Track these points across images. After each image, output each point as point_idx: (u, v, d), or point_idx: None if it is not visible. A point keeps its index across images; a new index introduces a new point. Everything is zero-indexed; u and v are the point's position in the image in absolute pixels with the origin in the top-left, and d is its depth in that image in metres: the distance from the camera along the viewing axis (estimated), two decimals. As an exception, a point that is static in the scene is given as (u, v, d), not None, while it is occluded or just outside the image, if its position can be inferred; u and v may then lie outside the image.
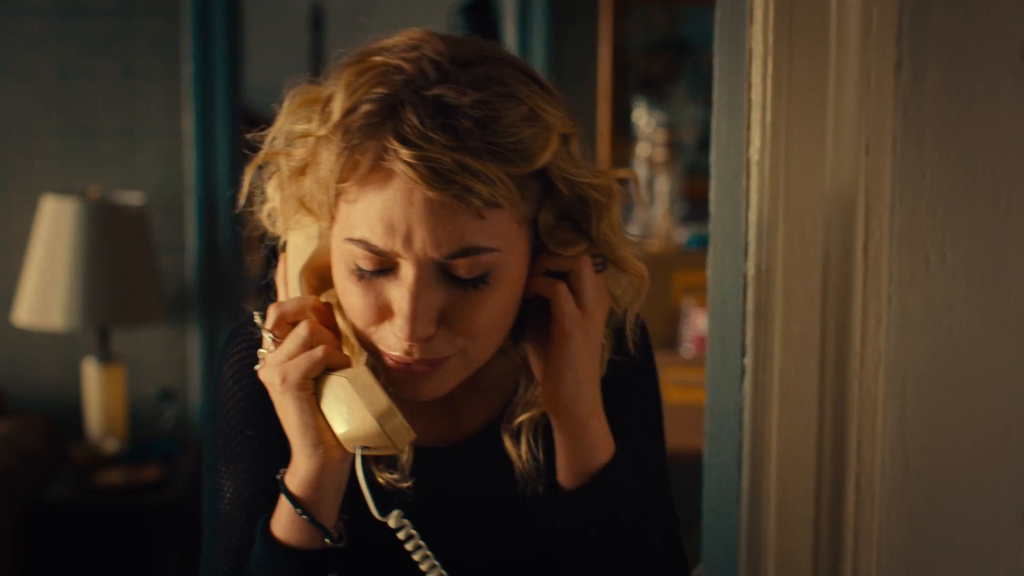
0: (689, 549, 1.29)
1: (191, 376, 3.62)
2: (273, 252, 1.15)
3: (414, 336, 1.00)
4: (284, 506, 1.07)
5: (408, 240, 0.98)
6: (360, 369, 1.04)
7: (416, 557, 1.07)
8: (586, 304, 1.07)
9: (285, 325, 1.07)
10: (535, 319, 1.10)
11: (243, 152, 1.12)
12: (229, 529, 1.14)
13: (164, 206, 3.55)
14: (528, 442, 1.15)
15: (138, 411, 3.55)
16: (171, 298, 3.57)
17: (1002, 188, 1.17)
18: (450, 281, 1.01)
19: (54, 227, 3.19)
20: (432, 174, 0.95)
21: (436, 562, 1.07)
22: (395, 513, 1.05)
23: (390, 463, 1.14)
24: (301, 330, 1.05)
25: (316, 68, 5.13)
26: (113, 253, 3.21)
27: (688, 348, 3.30)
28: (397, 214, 0.97)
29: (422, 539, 1.07)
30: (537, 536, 1.16)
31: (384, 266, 1.00)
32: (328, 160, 1.00)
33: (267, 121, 1.09)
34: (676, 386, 3.20)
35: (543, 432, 1.16)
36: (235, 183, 1.15)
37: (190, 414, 3.63)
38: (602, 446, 1.10)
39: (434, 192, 0.95)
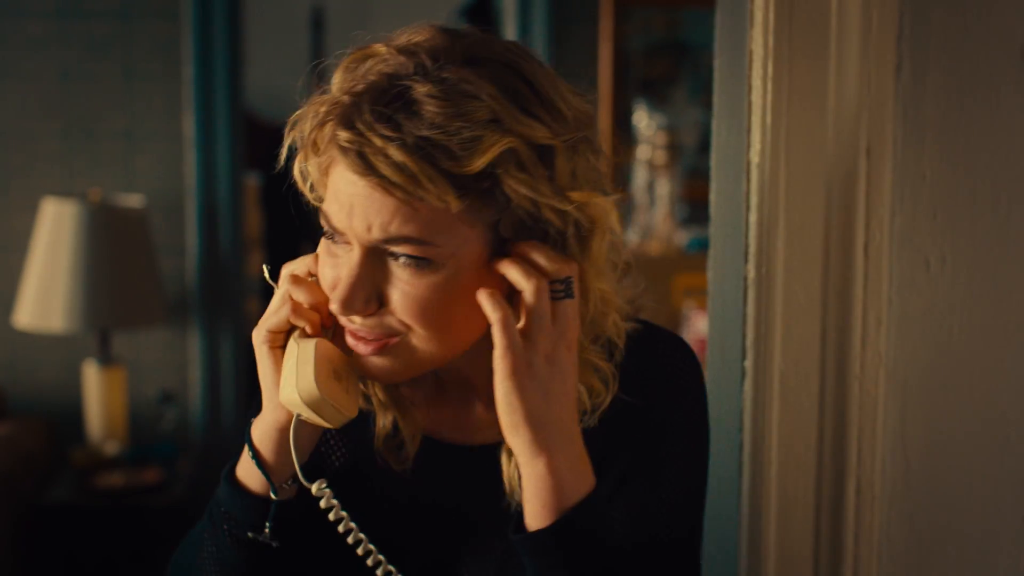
0: (689, 551, 1.29)
1: (191, 378, 3.62)
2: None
3: (343, 308, 1.03)
4: (245, 449, 1.12)
5: (350, 220, 1.02)
6: (312, 341, 1.07)
7: (340, 528, 1.10)
8: (531, 333, 1.02)
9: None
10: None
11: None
12: None
13: (164, 208, 3.55)
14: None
15: (138, 413, 3.55)
16: (171, 300, 3.57)
17: (1003, 190, 1.17)
18: (391, 264, 1.03)
19: (55, 229, 3.19)
20: (359, 160, 0.99)
21: (362, 536, 1.10)
22: (317, 482, 1.08)
23: (394, 448, 1.16)
24: (282, 286, 1.10)
25: (316, 70, 5.11)
26: (114, 255, 3.21)
27: (688, 350, 3.30)
28: (344, 194, 1.02)
29: (397, 527, 1.09)
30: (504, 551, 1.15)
31: (344, 239, 1.04)
32: (306, 132, 1.05)
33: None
34: (676, 388, 3.19)
35: None
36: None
37: (190, 416, 3.63)
38: (570, 485, 1.04)
39: (359, 178, 0.99)
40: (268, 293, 1.17)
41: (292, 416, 1.08)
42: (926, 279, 1.19)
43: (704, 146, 3.87)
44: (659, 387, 1.16)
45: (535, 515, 1.05)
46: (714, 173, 1.34)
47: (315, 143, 1.04)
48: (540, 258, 1.04)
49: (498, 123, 1.00)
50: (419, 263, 1.01)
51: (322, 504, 1.09)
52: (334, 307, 1.05)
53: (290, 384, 1.05)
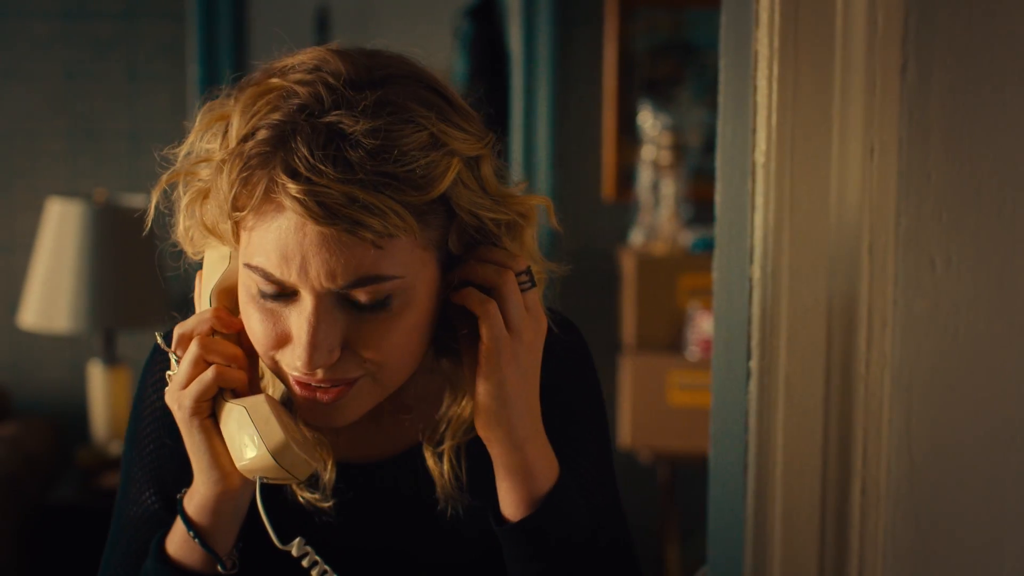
0: (694, 552, 1.29)
1: (196, 378, 3.63)
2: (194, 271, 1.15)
3: (313, 365, 0.98)
4: (180, 526, 1.06)
5: (303, 270, 0.96)
6: (259, 398, 1.02)
7: None
8: (513, 324, 1.03)
9: (187, 344, 1.06)
10: (470, 335, 1.05)
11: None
12: (132, 536, 1.14)
13: (169, 209, 3.55)
14: (451, 460, 1.12)
15: (143, 413, 3.55)
16: (176, 301, 3.57)
17: (1008, 191, 1.17)
18: (351, 307, 0.99)
19: (60, 230, 3.19)
20: (321, 209, 0.93)
21: None
22: (296, 541, 1.05)
23: (311, 482, 1.13)
24: (193, 350, 1.04)
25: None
26: (118, 256, 3.21)
27: (693, 351, 3.30)
28: (291, 245, 0.96)
29: (336, 558, 1.06)
30: (455, 556, 1.15)
31: (284, 292, 0.99)
32: (223, 188, 0.99)
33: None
34: (681, 389, 3.19)
35: (466, 451, 1.13)
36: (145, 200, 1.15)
37: (195, 416, 3.64)
38: (543, 472, 1.06)
39: (323, 227, 0.94)
40: (187, 312, 1.14)
41: (238, 485, 1.03)
42: (931, 280, 1.19)
43: (709, 146, 3.86)
44: (562, 363, 1.18)
45: (517, 504, 1.06)
46: (719, 173, 1.34)
47: (235, 201, 0.98)
48: (498, 256, 1.04)
49: (439, 144, 0.97)
50: (386, 299, 0.98)
51: (304, 563, 1.05)
52: (298, 365, 0.99)
53: (253, 448, 1.00)
